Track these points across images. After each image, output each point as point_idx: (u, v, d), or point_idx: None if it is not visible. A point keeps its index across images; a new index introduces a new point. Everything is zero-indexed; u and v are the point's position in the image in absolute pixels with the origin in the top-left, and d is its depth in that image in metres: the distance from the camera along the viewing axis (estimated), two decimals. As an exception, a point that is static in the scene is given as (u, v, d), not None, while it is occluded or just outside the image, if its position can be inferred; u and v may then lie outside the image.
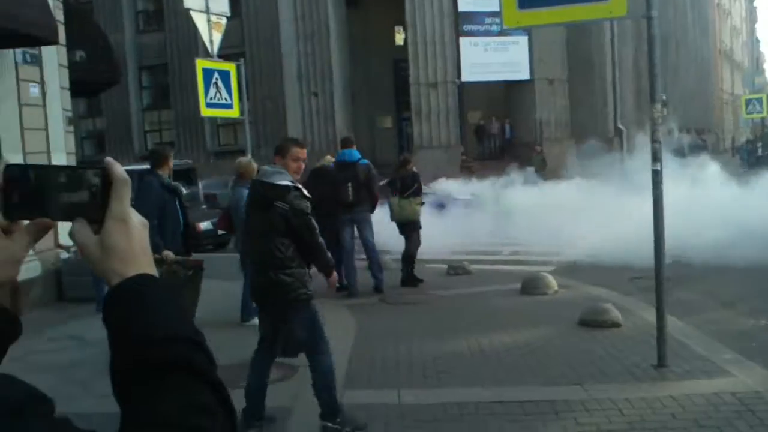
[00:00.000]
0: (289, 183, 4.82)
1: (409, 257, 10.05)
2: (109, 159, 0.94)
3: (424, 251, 10.51)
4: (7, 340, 0.92)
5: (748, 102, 32.42)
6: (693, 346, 6.45)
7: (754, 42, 64.85)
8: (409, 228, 10.05)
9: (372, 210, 9.57)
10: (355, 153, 9.53)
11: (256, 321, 7.82)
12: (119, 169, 0.94)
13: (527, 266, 11.00)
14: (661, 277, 5.92)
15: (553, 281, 9.29)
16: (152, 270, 0.95)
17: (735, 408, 4.95)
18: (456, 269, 10.86)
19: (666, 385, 5.55)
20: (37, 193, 0.93)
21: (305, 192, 4.92)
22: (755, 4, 65.55)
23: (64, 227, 0.95)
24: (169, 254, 6.11)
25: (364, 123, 28.92)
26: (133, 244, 0.94)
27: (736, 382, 5.47)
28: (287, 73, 28.22)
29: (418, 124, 26.96)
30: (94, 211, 0.94)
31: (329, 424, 4.89)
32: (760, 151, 35.32)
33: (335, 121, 27.71)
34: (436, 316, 8.26)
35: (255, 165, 7.59)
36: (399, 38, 29.81)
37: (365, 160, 9.60)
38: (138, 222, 0.96)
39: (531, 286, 9.24)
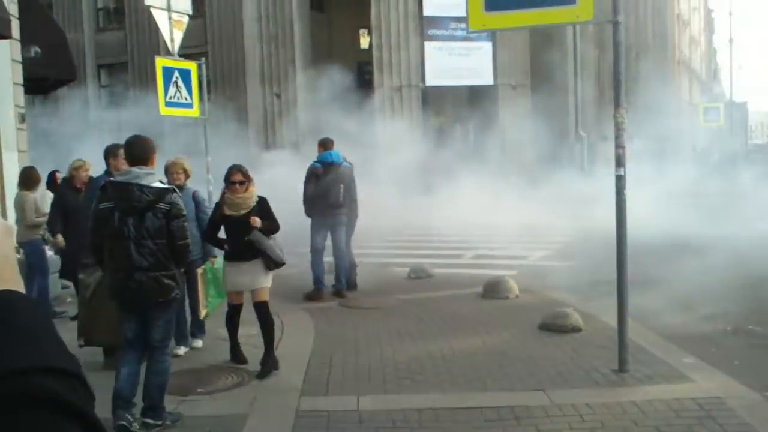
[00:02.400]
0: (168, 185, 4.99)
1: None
2: None
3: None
4: None
5: (706, 111, 33.04)
6: (654, 351, 6.45)
7: (711, 52, 66.25)
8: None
9: (349, 213, 9.42)
10: (339, 154, 9.40)
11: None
12: None
13: (490, 270, 10.95)
14: (623, 281, 5.91)
15: (514, 285, 9.24)
16: (19, 286, 0.77)
17: (696, 414, 4.93)
18: (418, 273, 10.77)
19: (627, 390, 5.53)
20: None
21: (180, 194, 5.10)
22: (713, 15, 66.80)
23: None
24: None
25: (327, 125, 28.72)
26: None
27: (696, 388, 5.46)
28: (250, 74, 27.91)
29: (381, 128, 26.85)
30: None
31: (150, 421, 4.90)
32: None
33: (298, 123, 27.47)
34: (396, 321, 8.13)
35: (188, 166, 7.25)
36: (364, 42, 29.70)
37: (348, 163, 9.47)
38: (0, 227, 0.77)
39: (492, 290, 9.19)
